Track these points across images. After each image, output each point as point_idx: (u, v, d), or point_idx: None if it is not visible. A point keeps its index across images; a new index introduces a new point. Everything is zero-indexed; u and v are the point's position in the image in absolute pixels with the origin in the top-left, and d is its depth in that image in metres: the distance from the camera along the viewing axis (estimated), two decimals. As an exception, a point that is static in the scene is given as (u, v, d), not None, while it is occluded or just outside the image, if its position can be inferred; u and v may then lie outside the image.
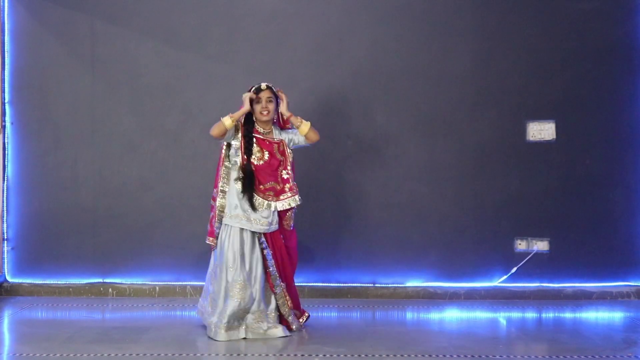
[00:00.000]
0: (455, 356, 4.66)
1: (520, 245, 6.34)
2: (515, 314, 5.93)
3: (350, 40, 6.35)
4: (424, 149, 6.36)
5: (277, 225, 5.20)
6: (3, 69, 6.36)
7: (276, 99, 5.24)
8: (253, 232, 5.12)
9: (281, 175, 5.20)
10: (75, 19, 6.36)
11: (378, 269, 6.37)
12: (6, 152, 6.39)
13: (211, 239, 5.20)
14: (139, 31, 6.37)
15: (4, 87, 6.37)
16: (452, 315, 5.90)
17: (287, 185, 5.20)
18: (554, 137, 6.32)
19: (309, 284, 6.35)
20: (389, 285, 6.37)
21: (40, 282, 6.41)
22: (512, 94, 6.33)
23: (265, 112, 5.16)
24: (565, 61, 6.31)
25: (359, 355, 4.66)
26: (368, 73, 6.34)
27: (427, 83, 6.34)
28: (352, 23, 6.35)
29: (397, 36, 6.35)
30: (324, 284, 6.36)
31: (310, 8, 6.36)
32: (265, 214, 5.11)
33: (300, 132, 5.21)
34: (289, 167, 5.22)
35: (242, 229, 5.10)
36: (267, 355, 4.71)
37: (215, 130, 5.11)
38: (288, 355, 4.69)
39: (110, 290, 6.40)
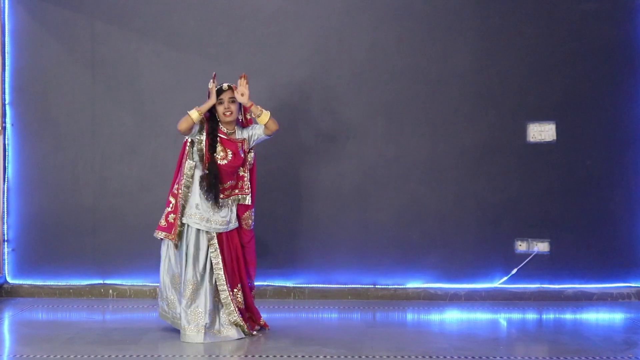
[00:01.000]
0: (455, 357, 4.65)
1: (521, 246, 6.32)
2: (516, 315, 5.92)
3: (350, 41, 6.33)
4: (424, 149, 6.34)
5: (236, 224, 5.18)
6: (3, 70, 6.35)
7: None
8: (207, 233, 5.08)
9: (239, 173, 5.16)
10: (76, 20, 6.35)
11: (378, 270, 6.35)
12: (6, 153, 6.37)
13: (164, 233, 5.12)
14: (139, 32, 6.36)
15: (5, 89, 6.36)
16: (452, 316, 5.88)
17: (240, 183, 5.16)
18: (555, 138, 6.30)
19: (309, 285, 6.34)
20: (390, 287, 6.35)
21: (40, 283, 6.40)
22: (513, 95, 6.32)
23: (228, 113, 5.10)
24: (566, 62, 6.29)
25: (360, 357, 4.65)
26: (368, 74, 6.33)
27: (427, 84, 6.33)
28: (352, 24, 6.34)
29: (397, 37, 6.33)
30: (324, 285, 6.34)
31: (309, 9, 6.35)
32: (223, 214, 5.08)
33: (260, 122, 5.10)
34: (247, 166, 5.18)
35: (198, 230, 5.07)
36: (267, 356, 4.69)
37: (183, 125, 5.03)
38: (289, 356, 4.67)
39: (110, 291, 6.38)
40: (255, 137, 5.20)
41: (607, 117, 6.30)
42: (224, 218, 5.09)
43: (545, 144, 6.31)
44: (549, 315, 5.91)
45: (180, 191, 5.12)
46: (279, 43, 6.35)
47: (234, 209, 5.17)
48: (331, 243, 6.33)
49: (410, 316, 5.90)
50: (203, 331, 4.98)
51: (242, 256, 5.22)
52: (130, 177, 6.39)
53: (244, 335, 5.09)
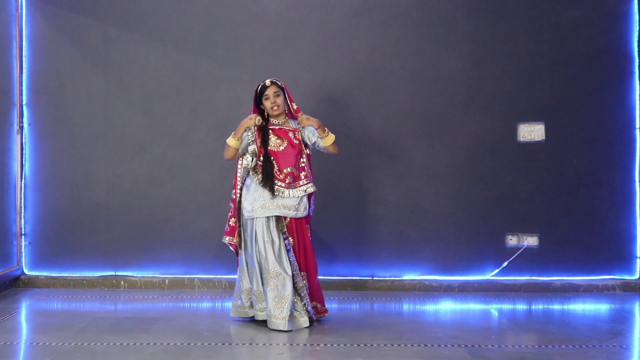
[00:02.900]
0: (449, 346, 4.66)
1: (511, 240, 6.34)
2: (507, 306, 5.94)
3: (351, 46, 6.35)
4: (420, 149, 6.36)
5: (306, 212, 5.08)
6: (21, 72, 6.36)
7: (283, 91, 5.13)
8: (278, 221, 5.01)
9: (299, 162, 5.11)
10: (90, 25, 6.36)
11: (376, 263, 6.37)
12: (24, 151, 6.39)
13: (228, 238, 5.12)
14: (149, 37, 6.37)
15: (22, 90, 6.38)
16: (446, 307, 5.90)
17: (303, 173, 5.10)
18: (544, 138, 6.31)
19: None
20: (387, 279, 6.37)
21: (55, 274, 6.43)
22: (504, 97, 6.33)
23: (275, 107, 5.08)
24: (555, 66, 6.30)
25: (358, 345, 4.66)
26: (367, 76, 6.34)
27: (423, 86, 6.34)
28: (352, 29, 6.35)
29: (394, 41, 6.35)
30: (325, 277, 6.33)
31: (312, 15, 6.36)
32: (290, 202, 4.98)
33: (323, 143, 5.12)
34: (304, 156, 5.14)
35: (268, 219, 4.98)
36: (270, 344, 4.71)
37: (227, 154, 5.09)
38: (291, 344, 4.69)
39: (122, 282, 6.40)
40: (317, 145, 5.16)
41: (594, 118, 6.31)
42: (292, 204, 4.99)
43: (534, 143, 6.32)
44: (538, 306, 5.92)
45: (237, 195, 5.08)
46: (283, 47, 6.36)
47: (304, 198, 5.06)
48: (331, 237, 6.34)
49: (406, 307, 5.91)
50: (288, 319, 4.93)
51: (310, 248, 5.12)
52: (140, 174, 6.41)
53: (309, 324, 5.05)
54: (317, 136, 5.15)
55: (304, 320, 5.05)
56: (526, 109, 6.32)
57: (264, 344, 4.72)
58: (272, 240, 4.98)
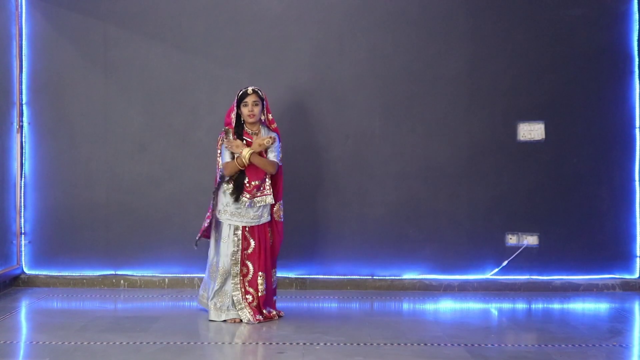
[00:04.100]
0: (449, 345, 4.65)
1: (511, 239, 6.33)
2: (506, 305, 5.93)
3: (350, 45, 6.34)
4: (420, 148, 6.35)
5: (268, 217, 5.32)
6: (21, 71, 6.35)
7: (262, 101, 5.29)
8: (237, 228, 5.24)
9: (267, 174, 5.28)
10: (89, 24, 6.35)
11: (376, 262, 6.36)
12: (23, 150, 6.38)
13: (199, 235, 5.40)
14: (149, 36, 6.36)
15: (22, 89, 6.37)
16: (446, 306, 5.89)
17: (266, 184, 5.27)
18: (543, 137, 6.31)
19: (310, 276, 6.35)
20: (387, 278, 6.36)
21: (55, 274, 6.41)
22: (504, 96, 6.33)
23: (251, 115, 5.25)
24: (554, 65, 6.30)
25: (358, 344, 4.65)
26: (367, 76, 6.34)
27: (422, 85, 6.33)
28: (352, 29, 6.34)
29: (394, 41, 6.34)
30: (325, 276, 6.36)
31: (312, 14, 6.35)
32: (254, 211, 5.24)
33: (246, 158, 5.21)
34: None
35: (230, 225, 5.24)
36: (270, 343, 4.70)
37: (230, 171, 5.25)
38: (291, 343, 4.68)
39: (122, 281, 6.40)
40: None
41: (594, 117, 6.31)
42: (256, 213, 5.24)
43: (534, 142, 6.32)
44: (538, 305, 5.91)
45: (214, 195, 5.32)
46: (282, 46, 6.35)
47: (267, 206, 5.31)
48: (331, 237, 6.34)
49: (406, 306, 5.91)
50: (223, 311, 5.20)
51: (269, 248, 5.34)
52: (140, 174, 6.40)
53: (251, 320, 5.15)
54: (270, 150, 5.29)
55: (244, 314, 5.19)
56: (526, 108, 6.31)
57: (263, 343, 4.72)
58: (231, 242, 5.23)
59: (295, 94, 6.27)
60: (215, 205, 5.32)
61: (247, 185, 5.22)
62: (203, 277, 6.15)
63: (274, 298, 5.42)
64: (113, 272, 6.42)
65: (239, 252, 5.22)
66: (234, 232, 5.23)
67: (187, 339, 4.74)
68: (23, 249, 6.41)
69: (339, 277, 6.37)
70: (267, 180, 5.28)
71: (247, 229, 5.24)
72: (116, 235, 6.40)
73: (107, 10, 6.35)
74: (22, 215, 6.39)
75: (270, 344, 4.70)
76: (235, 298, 5.21)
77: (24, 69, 6.37)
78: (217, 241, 5.30)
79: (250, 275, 5.25)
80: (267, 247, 5.32)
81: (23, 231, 6.40)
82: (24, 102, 6.38)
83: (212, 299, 5.25)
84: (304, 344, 4.68)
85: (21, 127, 6.37)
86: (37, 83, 6.39)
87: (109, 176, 6.39)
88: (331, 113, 6.30)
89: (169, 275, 6.39)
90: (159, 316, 5.37)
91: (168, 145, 6.39)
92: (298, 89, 6.25)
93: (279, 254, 5.47)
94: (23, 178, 6.39)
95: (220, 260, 5.24)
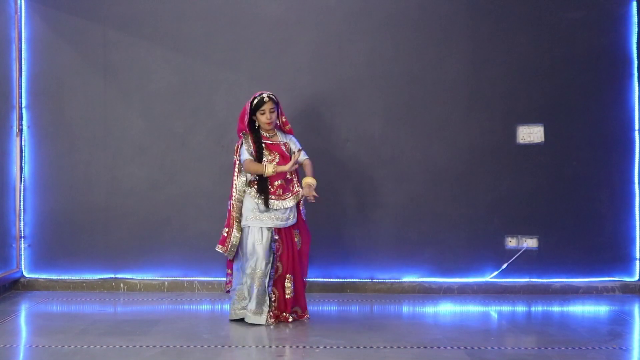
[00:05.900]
0: (449, 348, 4.66)
1: (511, 242, 6.33)
2: (506, 308, 5.93)
3: (350, 48, 6.35)
4: (419, 151, 6.35)
5: (294, 219, 5.36)
6: (20, 75, 6.36)
7: (277, 106, 5.34)
8: (268, 229, 5.25)
9: (287, 176, 5.35)
10: (89, 28, 6.36)
11: (376, 265, 6.36)
12: (23, 154, 6.39)
13: (219, 246, 5.35)
14: (148, 39, 6.37)
15: (21, 93, 6.37)
16: (446, 309, 5.89)
17: (291, 184, 5.36)
18: (543, 139, 6.31)
19: (310, 279, 6.33)
20: (386, 281, 6.37)
21: (55, 277, 6.41)
22: (503, 99, 6.33)
23: (270, 123, 5.33)
24: (554, 68, 6.30)
25: (358, 347, 4.66)
26: (366, 79, 6.34)
27: (422, 88, 6.34)
28: (351, 31, 6.35)
29: (393, 44, 6.34)
30: (325, 279, 6.36)
31: (311, 17, 6.36)
32: (281, 213, 5.27)
33: (303, 181, 5.34)
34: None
35: (261, 228, 5.24)
36: (270, 347, 4.70)
37: (252, 170, 5.26)
38: (290, 346, 4.69)
39: (121, 285, 6.40)
40: (291, 152, 5.41)
41: (593, 120, 6.31)
42: (284, 215, 5.28)
43: (534, 145, 6.32)
44: (538, 308, 5.92)
45: (234, 206, 5.33)
46: (282, 50, 6.36)
47: (294, 207, 5.35)
48: (331, 239, 6.34)
49: (405, 309, 5.91)
50: (264, 312, 5.21)
51: (297, 255, 5.37)
52: (140, 177, 6.40)
53: (267, 324, 5.18)
54: (297, 148, 5.38)
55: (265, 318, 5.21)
56: (525, 111, 6.32)
57: (263, 346, 4.72)
58: (263, 246, 5.22)
59: (294, 98, 6.27)
60: (238, 216, 5.30)
61: (270, 187, 5.26)
62: (204, 280, 6.17)
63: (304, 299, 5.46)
64: (113, 276, 6.42)
65: (271, 254, 5.25)
66: (264, 233, 5.24)
67: (187, 343, 4.75)
68: (23, 252, 6.41)
69: (338, 280, 6.37)
70: (292, 178, 5.36)
71: (276, 230, 5.27)
72: (116, 238, 6.40)
73: (106, 13, 6.36)
74: (22, 219, 6.39)
75: (270, 347, 4.70)
76: (272, 297, 5.26)
77: (24, 73, 6.37)
78: (245, 247, 5.28)
79: (278, 276, 5.29)
80: (295, 250, 5.35)
81: (23, 235, 6.40)
82: (23, 105, 6.39)
83: (251, 302, 5.21)
84: (304, 346, 4.69)
85: (21, 130, 6.37)
86: (37, 86, 6.40)
87: (109, 179, 6.39)
88: (330, 116, 6.30)
89: (168, 278, 6.39)
90: (159, 319, 5.38)
91: (168, 149, 6.39)
92: (297, 93, 6.25)
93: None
94: (23, 181, 6.39)
95: (257, 265, 5.21)
